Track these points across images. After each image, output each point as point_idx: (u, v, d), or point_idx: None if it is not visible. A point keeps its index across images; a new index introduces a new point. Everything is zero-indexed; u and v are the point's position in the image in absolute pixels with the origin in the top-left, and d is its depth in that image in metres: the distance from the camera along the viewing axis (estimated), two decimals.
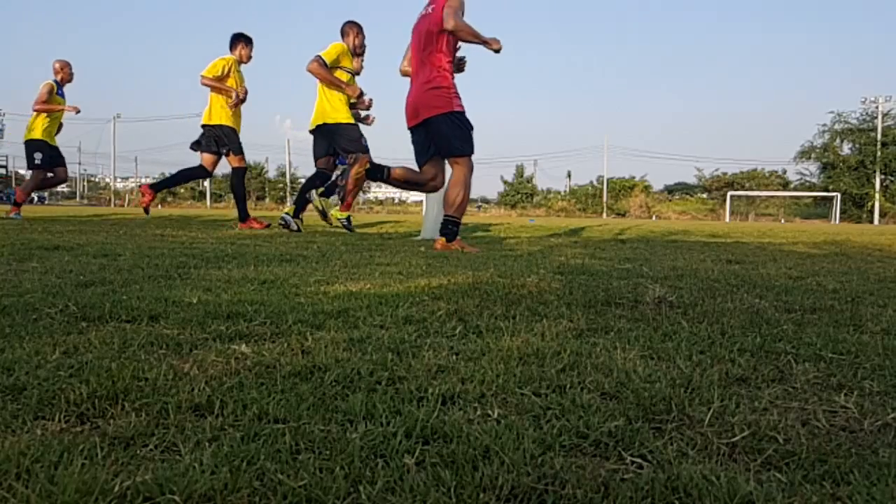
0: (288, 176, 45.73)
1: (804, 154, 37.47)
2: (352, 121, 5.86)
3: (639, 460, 0.81)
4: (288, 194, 44.23)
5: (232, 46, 6.62)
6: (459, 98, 4.15)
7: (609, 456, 0.83)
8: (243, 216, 6.63)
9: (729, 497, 0.71)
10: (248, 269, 2.67)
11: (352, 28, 5.91)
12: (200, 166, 6.56)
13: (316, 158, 6.04)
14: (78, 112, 7.35)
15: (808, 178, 39.27)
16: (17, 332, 1.38)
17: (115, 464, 0.75)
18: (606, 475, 0.76)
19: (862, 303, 2.08)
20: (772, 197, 40.70)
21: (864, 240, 6.87)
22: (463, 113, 4.15)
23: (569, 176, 52.43)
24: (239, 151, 6.47)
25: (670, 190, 50.60)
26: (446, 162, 4.28)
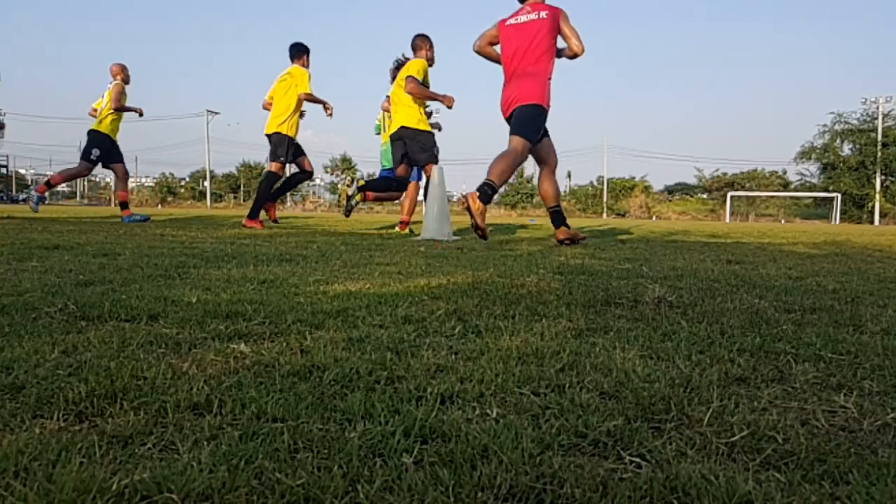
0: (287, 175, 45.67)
1: (804, 154, 37.44)
2: (428, 129, 5.93)
3: (637, 460, 0.81)
4: (287, 194, 44.20)
5: (298, 57, 6.56)
6: (549, 98, 4.60)
7: (608, 455, 0.82)
8: (253, 214, 6.62)
9: (727, 497, 0.71)
10: (248, 268, 2.67)
11: (423, 42, 5.89)
12: (301, 171, 6.77)
13: (395, 165, 6.12)
14: (142, 115, 7.70)
15: (808, 179, 39.25)
16: (17, 331, 1.38)
17: (113, 462, 0.75)
18: (605, 474, 0.75)
19: (862, 303, 2.08)
20: (772, 197, 40.68)
21: (864, 240, 6.87)
22: (547, 113, 4.62)
23: (569, 176, 52.40)
24: (277, 159, 6.54)
25: (670, 190, 50.58)
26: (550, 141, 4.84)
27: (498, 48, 4.71)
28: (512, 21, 4.58)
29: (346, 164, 44.95)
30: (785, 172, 42.37)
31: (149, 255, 3.09)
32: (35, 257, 2.88)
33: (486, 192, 4.34)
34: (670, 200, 45.74)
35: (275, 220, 7.17)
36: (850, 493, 0.72)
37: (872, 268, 3.39)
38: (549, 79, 4.54)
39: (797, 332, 1.58)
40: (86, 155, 7.39)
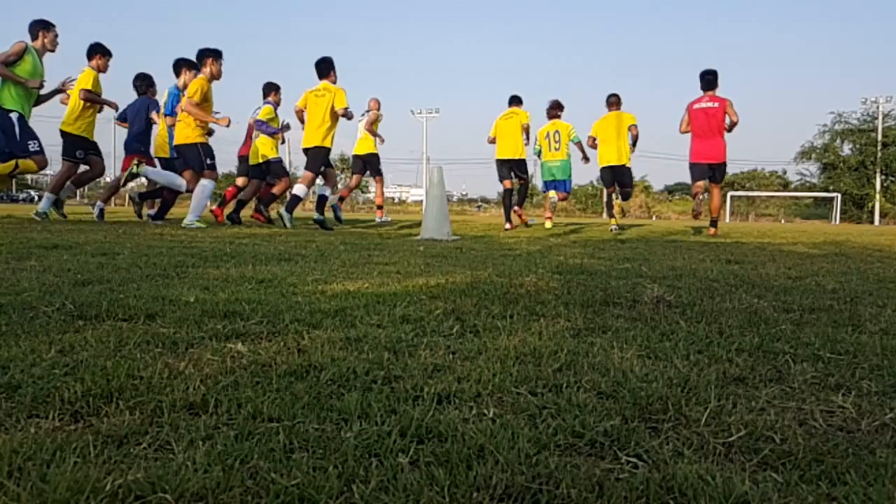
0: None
1: (804, 154, 37.40)
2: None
3: (634, 460, 0.80)
4: (287, 193, 44.13)
5: (518, 103, 8.00)
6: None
7: (604, 455, 0.82)
8: (508, 218, 7.95)
9: (724, 497, 0.70)
10: (246, 268, 2.67)
11: (619, 98, 7.92)
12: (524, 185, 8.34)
13: (608, 186, 8.11)
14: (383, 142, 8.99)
15: (808, 179, 39.21)
16: (14, 330, 1.37)
17: (107, 462, 0.75)
18: (601, 475, 0.75)
19: (861, 303, 2.08)
20: (772, 197, 40.66)
21: (863, 240, 6.86)
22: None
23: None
24: (513, 177, 8.10)
25: (670, 190, 50.53)
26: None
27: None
28: (698, 105, 7.12)
29: (345, 164, 44.95)
30: (785, 172, 42.36)
31: (147, 255, 3.09)
32: (34, 256, 2.87)
33: (716, 223, 7.48)
34: (670, 200, 45.70)
35: (526, 224, 8.59)
36: (847, 494, 0.72)
37: (872, 268, 3.39)
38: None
39: (796, 331, 1.58)
40: (377, 171, 8.95)
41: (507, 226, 7.90)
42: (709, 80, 7.13)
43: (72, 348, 1.25)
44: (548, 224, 8.28)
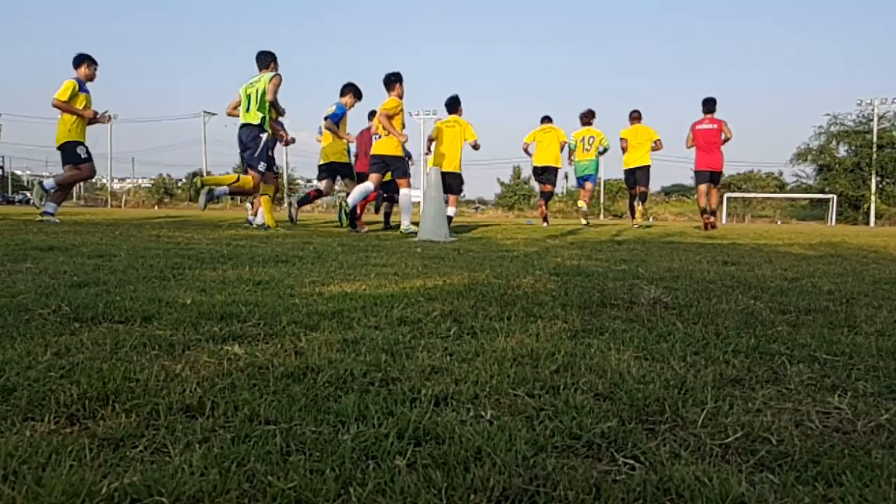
0: (286, 176, 45.56)
1: (800, 156, 37.48)
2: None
3: (631, 461, 0.81)
4: (285, 194, 44.07)
5: (548, 121, 9.89)
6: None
7: (601, 457, 0.82)
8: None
9: (721, 498, 0.70)
10: (244, 269, 2.66)
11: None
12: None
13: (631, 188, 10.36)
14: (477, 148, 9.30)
15: (804, 180, 39.28)
16: (9, 333, 1.37)
17: (103, 465, 0.75)
18: (598, 476, 0.75)
19: (857, 304, 2.08)
20: (768, 198, 40.76)
21: (859, 241, 6.88)
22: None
23: (566, 177, 52.28)
24: (549, 182, 10.15)
25: (667, 191, 50.62)
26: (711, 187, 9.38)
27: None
28: (700, 126, 9.04)
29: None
30: (781, 174, 42.45)
31: (144, 257, 3.08)
32: (30, 258, 2.86)
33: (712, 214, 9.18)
34: (667, 202, 45.77)
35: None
36: (843, 495, 0.72)
37: (868, 269, 3.40)
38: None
39: (792, 333, 1.58)
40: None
41: (544, 224, 10.35)
42: (709, 106, 9.13)
43: (68, 351, 1.25)
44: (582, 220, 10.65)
